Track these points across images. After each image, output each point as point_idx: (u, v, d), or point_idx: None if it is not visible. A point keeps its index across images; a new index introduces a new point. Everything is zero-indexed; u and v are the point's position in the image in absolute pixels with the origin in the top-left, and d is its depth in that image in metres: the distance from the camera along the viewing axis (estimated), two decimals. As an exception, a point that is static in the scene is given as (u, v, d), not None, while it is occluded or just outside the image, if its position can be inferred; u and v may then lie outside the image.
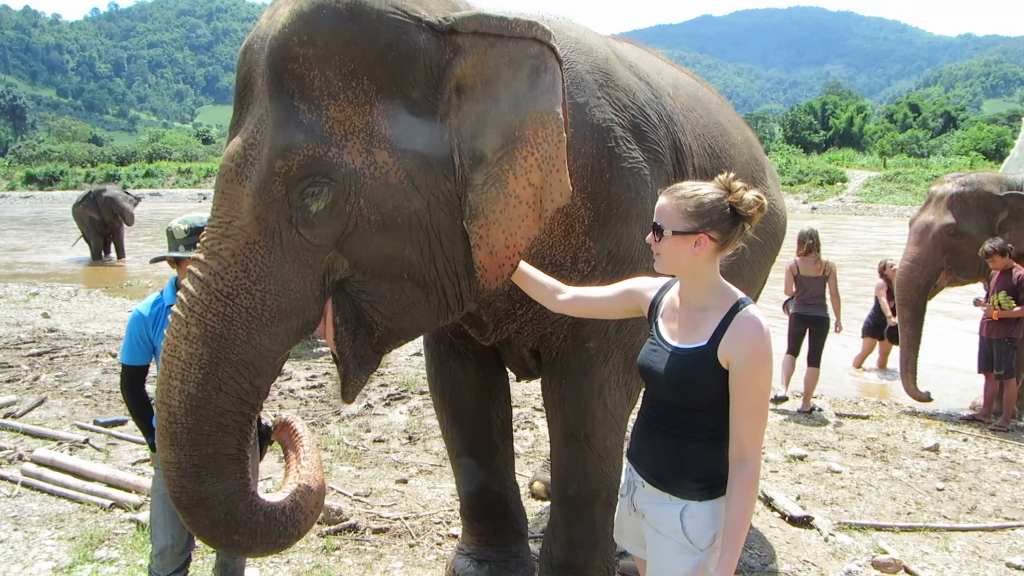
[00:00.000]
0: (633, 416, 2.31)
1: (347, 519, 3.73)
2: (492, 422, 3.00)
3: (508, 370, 3.04)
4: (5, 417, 5.33)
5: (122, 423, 5.26)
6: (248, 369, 1.86)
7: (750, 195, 1.81)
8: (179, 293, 1.88)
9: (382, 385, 6.46)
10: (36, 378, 6.49)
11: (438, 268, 2.03)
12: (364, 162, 1.87)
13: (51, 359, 7.26)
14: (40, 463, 4.37)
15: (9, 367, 6.89)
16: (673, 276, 1.97)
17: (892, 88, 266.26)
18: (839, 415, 6.09)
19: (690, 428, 1.88)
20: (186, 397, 1.80)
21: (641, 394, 2.07)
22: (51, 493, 4.05)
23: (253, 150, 1.88)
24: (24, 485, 4.14)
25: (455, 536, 3.56)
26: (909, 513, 4.17)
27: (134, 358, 2.50)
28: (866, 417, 6.05)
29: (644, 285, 2.07)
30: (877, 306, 7.58)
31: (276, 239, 1.86)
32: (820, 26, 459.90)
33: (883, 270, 7.57)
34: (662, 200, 1.87)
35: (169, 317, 1.88)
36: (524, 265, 2.18)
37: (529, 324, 2.53)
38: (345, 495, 4.08)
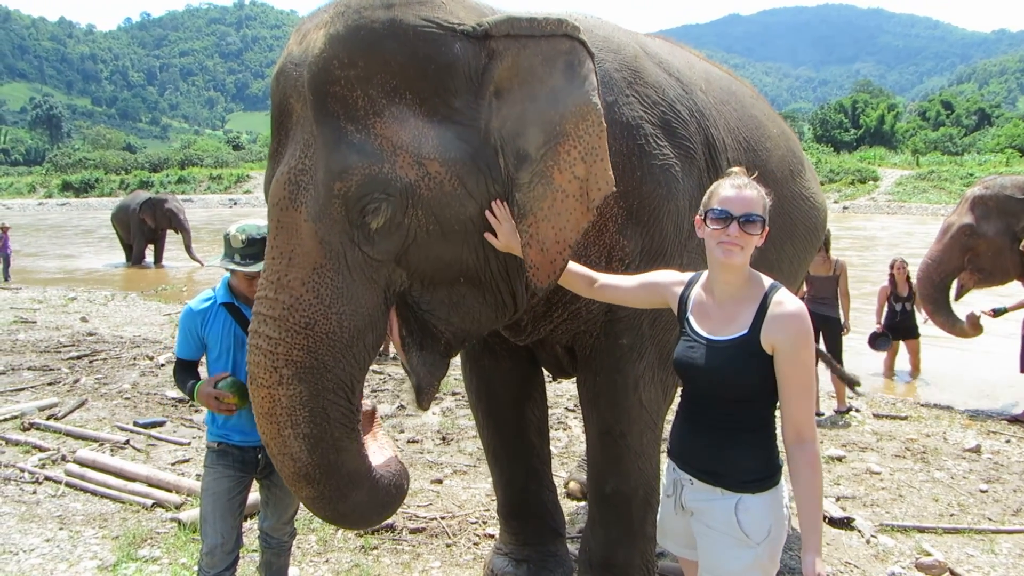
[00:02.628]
0: (669, 417, 2.30)
1: (384, 519, 3.74)
2: (528, 420, 3.00)
3: (543, 369, 3.03)
4: (48, 419, 5.44)
5: (161, 424, 5.35)
6: (343, 391, 1.94)
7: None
8: (255, 341, 1.92)
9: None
10: (76, 381, 6.62)
11: (492, 269, 2.08)
12: (418, 174, 1.90)
13: (90, 362, 7.41)
14: (83, 463, 4.45)
15: (50, 370, 7.04)
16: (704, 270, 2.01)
17: (924, 86, 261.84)
18: (876, 416, 5.99)
19: (737, 420, 1.87)
20: (304, 439, 1.89)
21: (679, 391, 2.07)
22: (94, 493, 4.12)
23: (304, 176, 1.92)
24: (68, 485, 4.22)
25: (491, 536, 3.56)
26: (952, 515, 4.09)
27: (184, 351, 2.55)
28: (904, 418, 5.95)
29: (668, 279, 2.09)
30: (893, 306, 7.40)
31: (341, 260, 1.91)
32: (849, 24, 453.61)
33: (892, 267, 7.44)
34: (751, 194, 1.86)
35: (249, 369, 1.95)
36: None
37: (564, 324, 2.53)
38: (381, 495, 4.09)
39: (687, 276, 2.05)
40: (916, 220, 26.95)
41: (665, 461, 2.09)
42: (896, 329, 7.32)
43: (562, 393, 6.16)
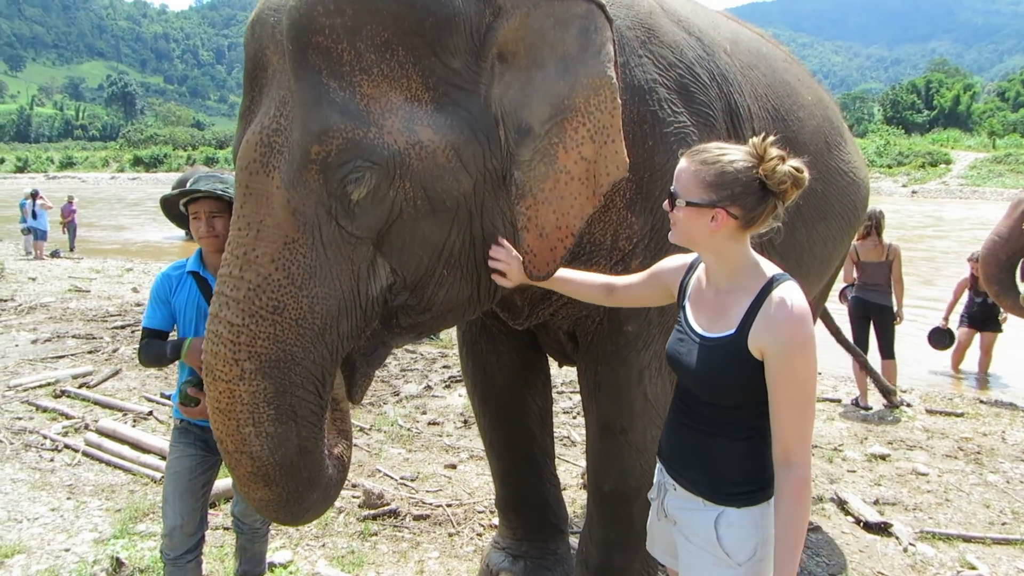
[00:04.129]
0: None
1: (388, 503, 3.63)
2: (528, 409, 2.81)
3: (547, 355, 2.84)
4: (80, 387, 5.50)
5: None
6: (314, 385, 1.73)
7: (785, 167, 1.53)
8: (214, 327, 1.69)
9: (444, 367, 6.37)
10: (115, 350, 6.70)
11: (477, 256, 1.86)
12: (407, 142, 1.69)
13: (132, 332, 7.50)
14: (103, 433, 4.46)
15: (93, 338, 7.17)
16: (691, 251, 1.74)
17: (1004, 65, 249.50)
18: (929, 411, 5.60)
19: (724, 425, 1.65)
20: (266, 438, 1.68)
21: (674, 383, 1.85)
22: (107, 463, 4.12)
23: (279, 137, 1.70)
24: (85, 454, 4.23)
25: (497, 526, 3.41)
26: (1004, 524, 3.75)
27: (152, 320, 2.38)
28: (960, 414, 5.55)
29: (671, 265, 1.84)
30: (974, 298, 6.91)
31: (316, 234, 1.68)
32: (926, 0, 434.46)
33: (972, 262, 6.95)
34: (682, 163, 1.63)
35: (205, 359, 1.72)
36: (563, 270, 1.98)
37: (564, 307, 2.33)
38: (391, 478, 3.99)
39: (690, 258, 1.81)
40: (990, 205, 25.64)
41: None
42: (974, 318, 6.89)
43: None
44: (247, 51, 1.84)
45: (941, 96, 55.91)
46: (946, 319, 6.90)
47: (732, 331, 1.57)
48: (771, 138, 1.58)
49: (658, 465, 1.83)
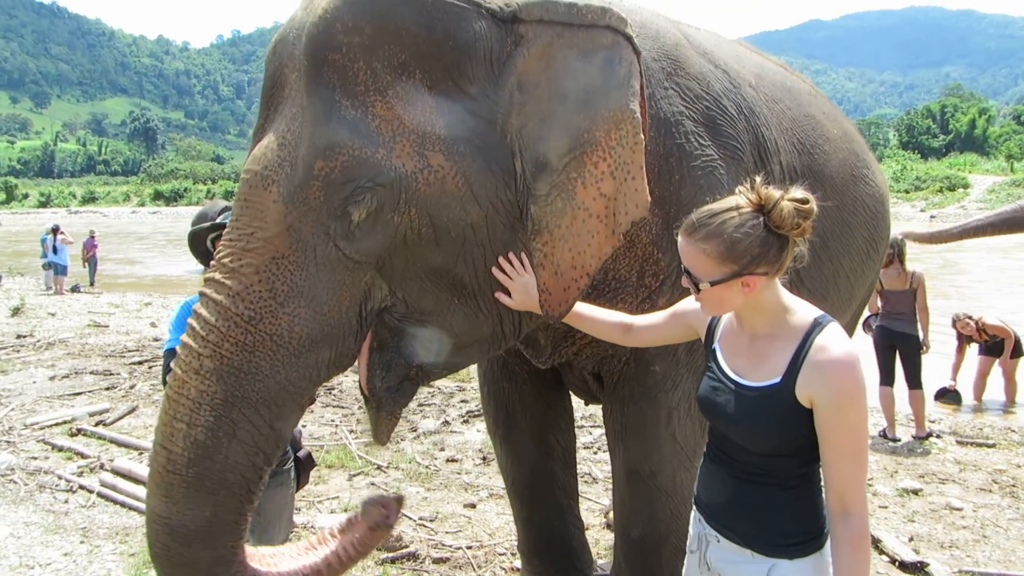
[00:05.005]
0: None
1: (407, 546, 3.54)
2: (551, 450, 2.73)
3: (571, 393, 2.77)
4: (96, 425, 5.47)
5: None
6: (269, 410, 1.62)
7: (790, 206, 1.45)
8: (191, 320, 1.64)
9: (462, 401, 6.29)
10: (132, 386, 6.69)
11: (489, 289, 1.80)
12: (417, 166, 1.64)
13: (150, 367, 7.50)
14: (118, 473, 4.41)
15: (110, 375, 7.16)
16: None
17: (1019, 88, 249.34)
18: (960, 443, 5.45)
19: (772, 474, 1.56)
20: (192, 444, 1.56)
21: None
22: (123, 505, 4.06)
23: (284, 151, 1.66)
24: (99, 495, 4.18)
25: (519, 570, 3.31)
26: (1046, 563, 3.61)
27: (176, 342, 2.30)
28: (992, 445, 5.38)
29: (695, 304, 1.76)
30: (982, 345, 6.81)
31: (309, 253, 1.63)
32: (938, 26, 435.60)
33: (954, 324, 6.90)
34: (682, 243, 1.54)
35: (178, 348, 1.67)
36: (580, 305, 1.91)
37: (589, 347, 2.26)
38: (410, 518, 3.90)
39: None
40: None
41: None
42: (991, 349, 6.75)
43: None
44: (267, 69, 1.82)
45: (956, 120, 55.73)
46: (953, 379, 6.80)
47: (777, 379, 1.50)
48: (758, 179, 1.51)
49: (695, 515, 1.74)
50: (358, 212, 1.63)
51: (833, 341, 1.47)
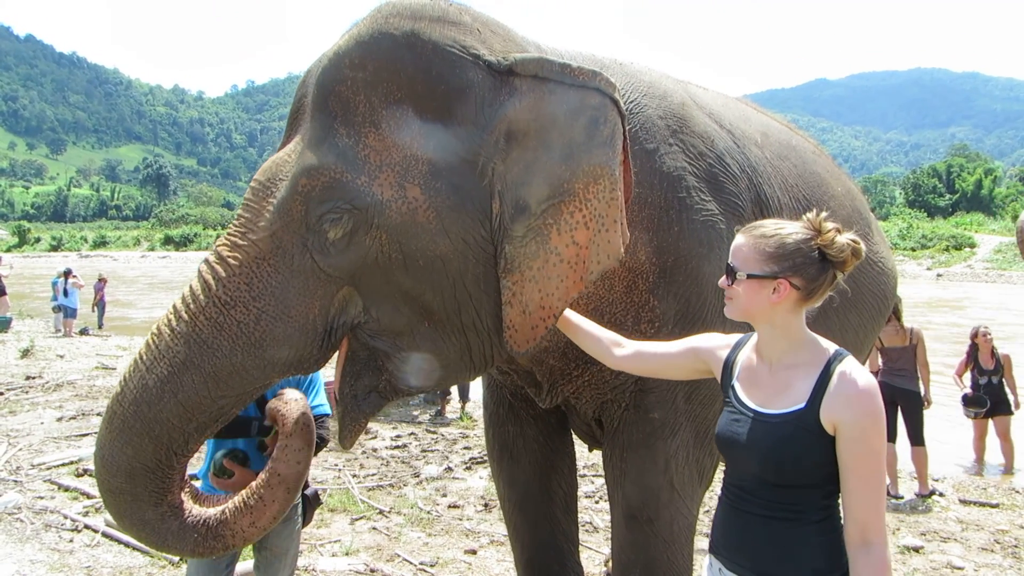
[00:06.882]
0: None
1: (408, 591, 3.55)
2: (553, 495, 2.77)
3: (576, 438, 2.82)
4: (102, 465, 5.50)
5: (207, 476, 5.33)
6: (214, 383, 1.79)
7: (843, 238, 1.57)
8: (184, 289, 1.87)
9: (465, 448, 6.31)
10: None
11: (464, 320, 1.89)
12: (393, 195, 1.79)
13: (155, 410, 7.53)
14: (123, 513, 4.43)
15: (117, 416, 7.19)
16: (748, 329, 1.73)
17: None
18: (963, 501, 5.43)
19: (796, 508, 1.57)
20: (140, 386, 1.78)
21: (721, 471, 1.79)
22: (127, 545, 4.08)
23: (284, 167, 1.86)
24: (104, 535, 4.20)
25: (519, 617, 3.31)
26: (1049, 624, 3.59)
27: None
28: (995, 505, 5.36)
29: (714, 343, 1.82)
30: (977, 380, 6.67)
31: (287, 260, 1.81)
32: (944, 87, 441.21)
33: (975, 337, 6.74)
34: (739, 239, 1.66)
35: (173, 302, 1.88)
36: (577, 316, 2.01)
37: (587, 388, 2.33)
38: (410, 563, 3.91)
39: (735, 338, 1.79)
40: (1017, 288, 25.36)
41: (705, 557, 1.80)
42: (990, 409, 6.62)
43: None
44: (295, 97, 1.99)
45: (963, 180, 56.10)
46: (960, 381, 6.73)
47: (802, 405, 1.55)
48: (824, 213, 1.62)
49: (711, 561, 1.73)
50: (334, 230, 1.80)
51: (855, 370, 1.55)
